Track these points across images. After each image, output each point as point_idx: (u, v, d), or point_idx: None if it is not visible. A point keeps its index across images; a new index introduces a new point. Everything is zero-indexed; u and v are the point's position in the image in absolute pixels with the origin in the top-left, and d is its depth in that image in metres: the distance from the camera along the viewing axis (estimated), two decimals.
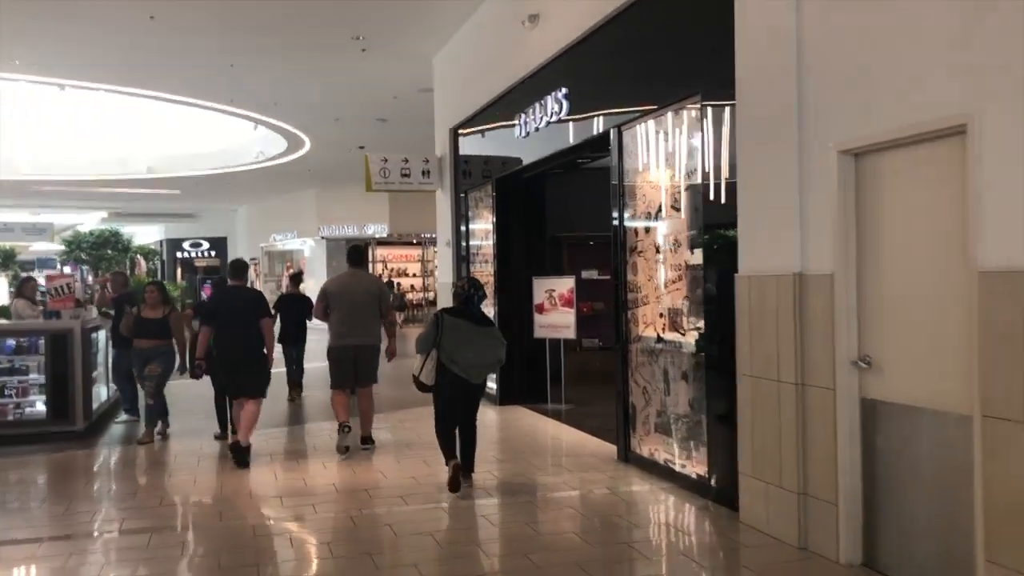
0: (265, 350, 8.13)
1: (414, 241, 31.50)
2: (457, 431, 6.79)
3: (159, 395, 9.45)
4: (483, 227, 12.30)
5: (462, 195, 12.83)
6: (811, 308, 5.14)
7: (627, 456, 7.68)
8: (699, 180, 6.36)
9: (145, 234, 40.88)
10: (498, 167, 11.43)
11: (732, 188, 5.89)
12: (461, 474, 6.66)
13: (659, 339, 7.10)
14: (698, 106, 6.35)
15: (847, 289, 4.92)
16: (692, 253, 6.58)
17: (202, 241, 39.85)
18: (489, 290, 11.41)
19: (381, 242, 30.63)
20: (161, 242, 40.88)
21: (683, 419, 6.82)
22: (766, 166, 5.49)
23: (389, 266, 32.23)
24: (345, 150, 22.18)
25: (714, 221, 6.16)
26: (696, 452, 6.64)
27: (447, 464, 6.74)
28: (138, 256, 38.71)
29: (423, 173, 13.57)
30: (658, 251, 7.20)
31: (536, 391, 11.36)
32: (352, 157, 22.87)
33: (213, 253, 39.53)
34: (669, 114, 6.88)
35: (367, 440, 8.55)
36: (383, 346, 8.45)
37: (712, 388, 6.29)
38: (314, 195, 29.85)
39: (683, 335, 6.74)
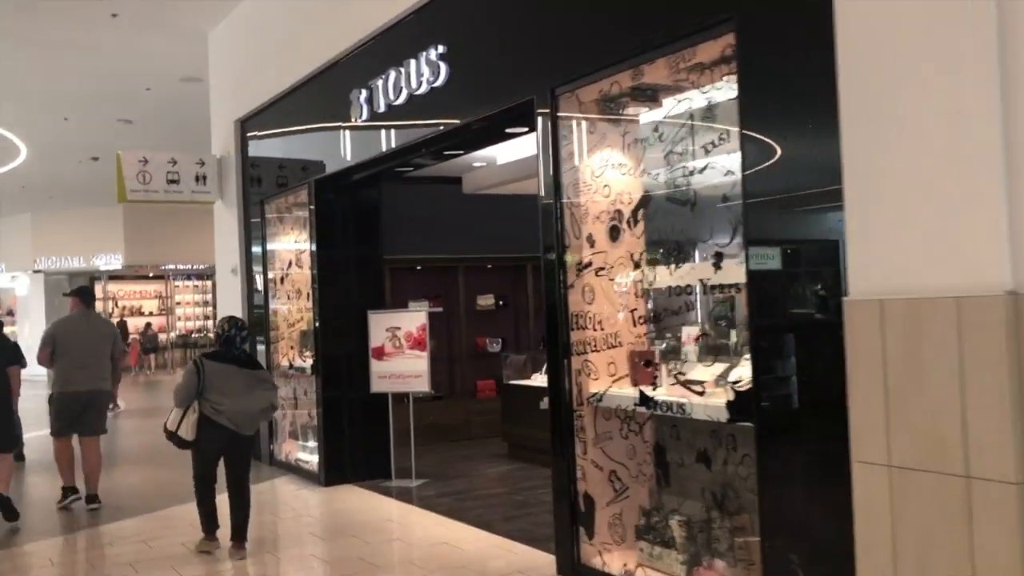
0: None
1: (150, 275, 27.15)
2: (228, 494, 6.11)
3: None
4: (291, 248, 9.38)
5: (257, 206, 9.82)
6: None
7: (575, 570, 5.18)
8: (727, 149, 4.09)
9: None
10: (316, 168, 8.62)
11: (813, 156, 3.66)
12: (233, 542, 6.06)
13: (644, 399, 4.68)
14: (730, 35, 4.05)
15: None
16: (718, 267, 4.27)
17: None
18: (294, 327, 8.55)
19: (114, 276, 26.04)
20: None
21: (702, 524, 4.46)
22: (915, 99, 3.30)
23: (121, 304, 27.59)
24: (74, 161, 18.00)
25: (772, 217, 3.87)
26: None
27: (206, 537, 6.13)
28: None
29: (197, 179, 10.38)
30: (636, 266, 4.82)
31: (374, 463, 8.58)
32: (83, 170, 18.72)
33: None
34: (660, 62, 4.53)
35: (93, 499, 7.69)
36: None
37: (771, 476, 3.96)
38: (29, 220, 24.72)
39: (699, 393, 4.38)
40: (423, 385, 8.32)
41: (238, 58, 10.12)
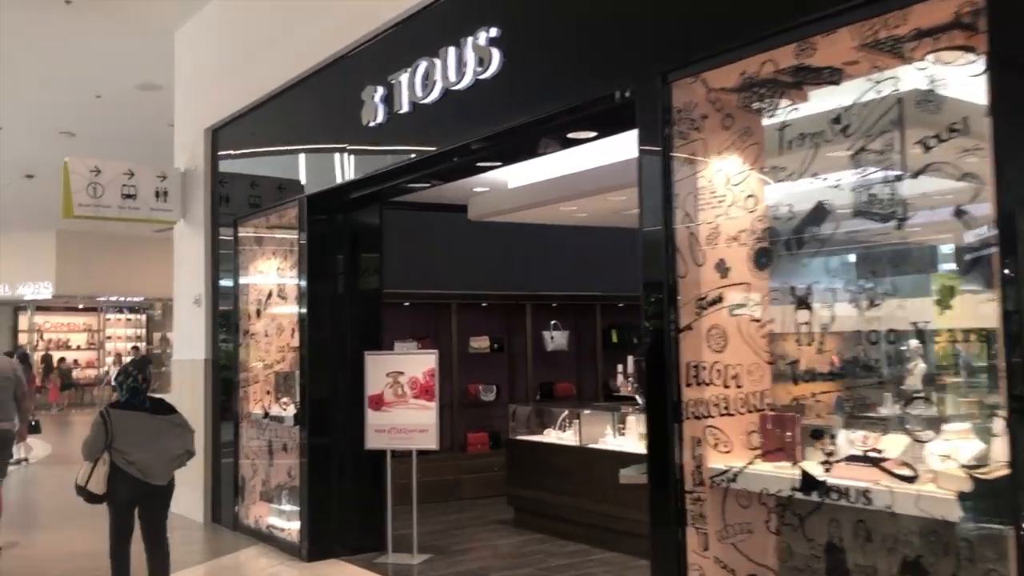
0: None
1: (80, 307, 25.18)
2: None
3: None
4: (272, 276, 8.02)
5: (228, 227, 8.47)
6: None
7: None
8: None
9: None
10: (307, 183, 7.33)
11: None
12: None
13: (810, 482, 3.47)
14: None
15: None
16: (945, 305, 3.12)
17: None
18: (271, 368, 7.19)
19: (42, 307, 24.03)
20: None
21: None
22: None
23: (47, 336, 25.52)
24: (4, 179, 16.27)
25: None
26: None
27: None
28: None
29: (157, 194, 8.97)
30: (802, 304, 3.64)
31: (366, 533, 7.21)
32: (14, 189, 16.99)
33: None
34: (845, 31, 3.40)
35: None
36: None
37: None
38: None
39: (906, 478, 3.18)
40: (430, 442, 7.01)
41: (211, 57, 8.80)
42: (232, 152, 8.57)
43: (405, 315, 9.60)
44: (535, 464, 8.04)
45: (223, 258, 8.59)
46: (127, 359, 24.00)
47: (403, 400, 7.05)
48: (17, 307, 24.27)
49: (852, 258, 3.44)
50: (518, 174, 8.27)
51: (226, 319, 8.50)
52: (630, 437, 7.38)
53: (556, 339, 10.34)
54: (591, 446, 7.47)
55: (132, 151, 12.37)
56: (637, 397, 8.59)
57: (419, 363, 7.08)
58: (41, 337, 25.65)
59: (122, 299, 25.23)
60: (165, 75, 10.02)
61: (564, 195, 7.51)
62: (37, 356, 24.25)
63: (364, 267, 7.53)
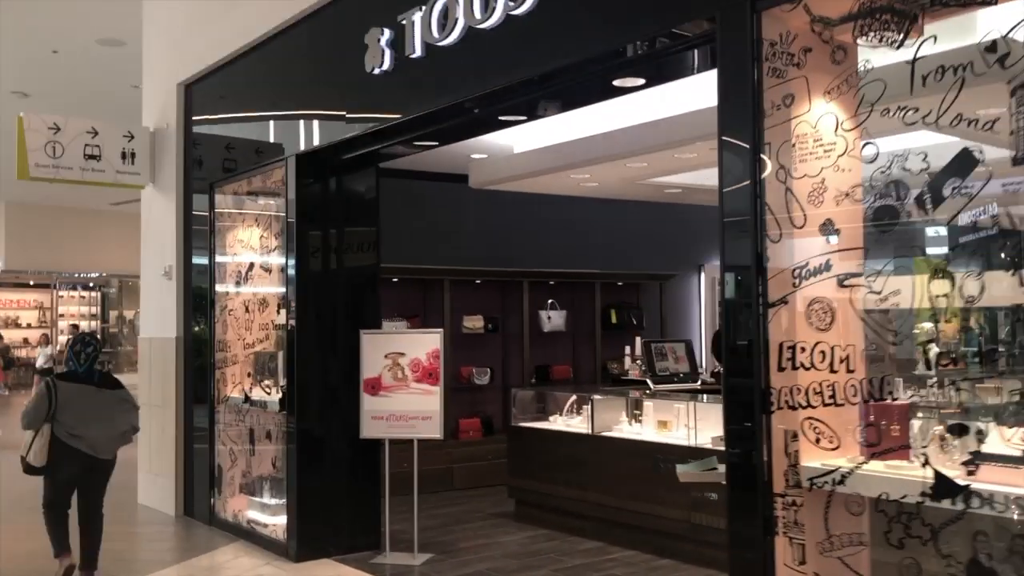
0: None
1: (31, 283, 24.00)
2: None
3: None
4: (254, 245, 7.28)
5: (202, 192, 7.70)
6: None
7: None
8: None
9: None
10: (293, 142, 6.59)
11: None
12: (82, 572, 5.69)
13: (946, 487, 2.86)
14: None
15: None
16: None
17: None
18: (251, 348, 6.46)
19: None
20: None
21: None
22: None
23: None
24: None
25: None
26: None
27: (57, 557, 5.68)
28: None
29: (124, 156, 8.15)
30: (937, 273, 3.01)
31: (360, 530, 6.55)
32: None
33: None
34: None
35: None
36: None
37: None
38: None
39: None
40: (434, 429, 6.35)
41: (185, 2, 7.97)
42: (208, 109, 7.78)
43: (392, 292, 8.85)
44: (540, 453, 7.42)
45: (196, 226, 7.81)
46: (65, 338, 22.93)
47: (403, 384, 6.37)
48: None
49: (1008, 215, 2.83)
50: (526, 138, 7.61)
51: (200, 294, 7.73)
52: (647, 424, 6.79)
53: (553, 319, 9.71)
54: (604, 434, 6.86)
55: (92, 114, 11.51)
56: (648, 381, 8.01)
57: (422, 343, 6.40)
58: None
59: (76, 275, 24.10)
60: (130, 30, 9.17)
61: (586, 158, 6.85)
62: None
63: (358, 237, 6.82)
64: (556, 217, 9.73)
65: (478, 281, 9.45)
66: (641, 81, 4.52)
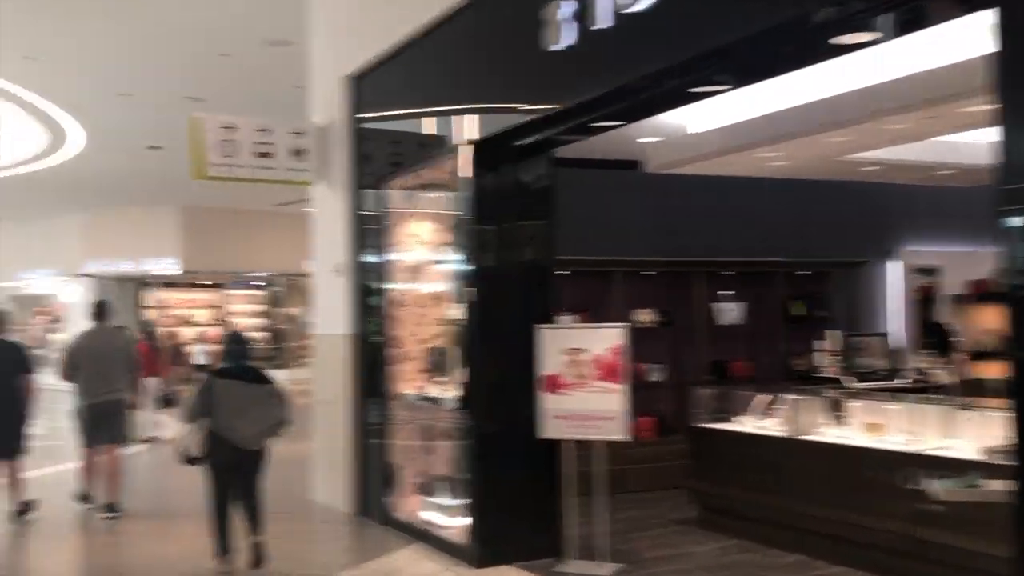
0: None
1: (209, 284, 25.05)
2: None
3: None
4: (425, 240, 7.09)
5: (371, 188, 7.57)
6: None
7: None
8: None
9: None
10: (452, 137, 6.32)
11: None
12: (251, 565, 5.98)
13: None
14: None
15: None
16: None
17: None
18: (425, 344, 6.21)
19: (170, 283, 23.98)
20: None
21: None
22: None
23: (171, 313, 25.43)
24: (127, 150, 15.87)
25: None
26: None
27: (217, 556, 5.97)
28: None
29: (294, 153, 8.14)
30: None
31: (540, 534, 6.22)
32: (139, 163, 16.67)
33: None
34: None
35: (113, 507, 7.78)
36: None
37: None
38: (77, 220, 22.74)
39: None
40: (618, 430, 5.95)
41: None
42: (375, 102, 7.64)
43: (561, 286, 8.51)
44: (728, 456, 6.91)
45: (367, 222, 7.69)
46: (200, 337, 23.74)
47: (584, 382, 6.00)
48: (141, 283, 24.22)
49: None
50: (701, 118, 7.10)
51: (371, 290, 7.61)
52: (854, 427, 6.15)
53: (730, 312, 9.12)
54: (803, 438, 6.27)
55: (262, 115, 11.74)
56: (841, 379, 7.36)
57: (603, 338, 6.00)
58: (164, 314, 25.63)
59: (249, 274, 25.00)
60: (296, 29, 9.19)
61: (782, 132, 6.28)
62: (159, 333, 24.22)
63: (531, 229, 6.49)
64: (729, 203, 9.14)
65: (649, 273, 8.98)
66: (868, 37, 3.95)
